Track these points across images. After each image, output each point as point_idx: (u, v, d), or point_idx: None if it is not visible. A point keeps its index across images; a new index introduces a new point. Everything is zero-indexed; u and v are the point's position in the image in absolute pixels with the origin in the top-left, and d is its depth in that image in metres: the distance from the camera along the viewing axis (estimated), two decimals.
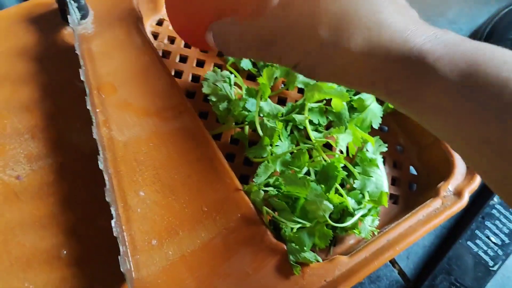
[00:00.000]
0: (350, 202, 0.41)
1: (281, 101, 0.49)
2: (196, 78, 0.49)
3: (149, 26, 0.50)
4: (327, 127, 0.47)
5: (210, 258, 0.37)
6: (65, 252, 0.36)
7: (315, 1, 0.28)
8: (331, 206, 0.37)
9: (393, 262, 0.46)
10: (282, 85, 0.50)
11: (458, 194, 0.42)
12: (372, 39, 0.27)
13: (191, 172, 0.40)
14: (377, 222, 0.42)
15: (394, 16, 0.28)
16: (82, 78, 0.39)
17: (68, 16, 0.42)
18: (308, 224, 0.38)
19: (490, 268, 0.44)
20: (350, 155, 0.45)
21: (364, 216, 0.41)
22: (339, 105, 0.44)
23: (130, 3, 0.46)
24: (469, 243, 0.45)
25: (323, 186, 0.41)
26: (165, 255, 0.37)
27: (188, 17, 0.40)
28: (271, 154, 0.43)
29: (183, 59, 0.50)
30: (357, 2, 0.28)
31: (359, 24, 0.28)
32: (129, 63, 0.43)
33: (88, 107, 0.38)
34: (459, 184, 0.43)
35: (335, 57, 0.29)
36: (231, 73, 0.47)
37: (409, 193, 0.47)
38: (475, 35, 0.58)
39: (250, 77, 0.50)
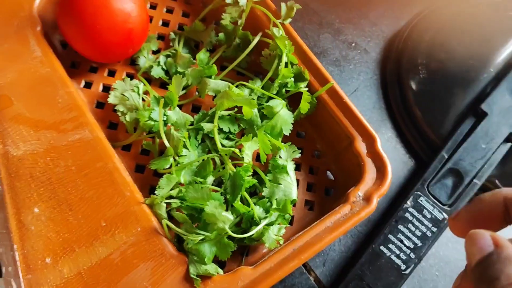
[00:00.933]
0: (258, 211, 0.40)
1: (197, 109, 0.48)
2: (107, 88, 0.48)
3: (57, 35, 0.48)
4: (242, 135, 0.46)
5: (107, 274, 0.36)
6: None
7: None
8: (230, 217, 0.36)
9: (309, 269, 0.45)
10: (196, 93, 0.49)
11: (367, 199, 0.42)
12: None
13: (89, 186, 0.39)
14: (283, 231, 0.41)
15: None
16: None
17: None
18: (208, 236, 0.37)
19: (403, 272, 0.44)
20: (262, 163, 0.44)
21: (270, 224, 0.40)
22: (248, 112, 0.43)
23: (30, 12, 0.44)
24: (382, 247, 0.44)
25: (229, 196, 0.40)
26: (59, 273, 0.36)
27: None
28: (177, 165, 0.42)
29: (94, 69, 0.48)
30: None
31: None
32: (27, 75, 0.42)
33: None
34: (369, 189, 0.43)
35: None
36: (142, 82, 0.46)
37: (325, 198, 0.47)
38: (396, 36, 0.58)
39: (164, 85, 0.49)
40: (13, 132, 0.39)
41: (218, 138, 0.42)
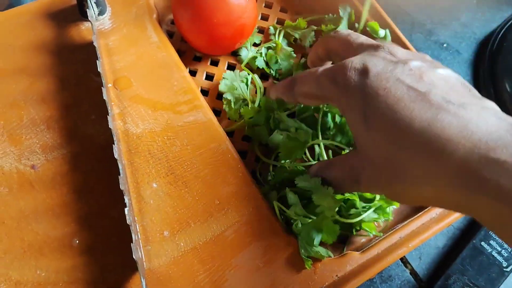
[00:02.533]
0: (359, 200, 0.41)
1: None
2: (209, 77, 0.49)
3: (165, 25, 0.51)
4: None
5: (221, 250, 0.37)
6: (77, 241, 0.36)
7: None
8: (337, 202, 0.37)
9: (405, 262, 0.45)
10: None
11: None
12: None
13: (204, 165, 0.40)
14: (388, 220, 0.41)
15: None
16: (99, 70, 0.39)
17: (87, 11, 0.42)
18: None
19: (504, 269, 0.43)
20: None
21: (374, 212, 0.41)
22: None
23: (147, 0, 0.47)
24: (482, 243, 0.44)
25: None
26: (176, 246, 0.37)
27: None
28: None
29: (198, 58, 0.50)
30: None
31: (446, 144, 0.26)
32: (145, 59, 0.44)
33: (104, 98, 0.39)
34: None
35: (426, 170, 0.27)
36: (248, 73, 0.47)
37: None
38: (489, 39, 0.58)
39: (264, 76, 0.50)
40: (133, 111, 0.41)
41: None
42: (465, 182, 0.24)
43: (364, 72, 0.30)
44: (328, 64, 0.36)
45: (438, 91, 0.27)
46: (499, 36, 0.57)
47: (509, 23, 0.58)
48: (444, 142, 0.25)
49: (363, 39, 0.35)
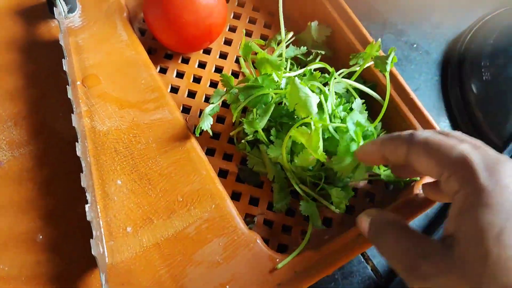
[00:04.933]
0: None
1: None
2: (180, 74, 0.50)
3: (137, 23, 0.51)
4: None
5: (183, 246, 0.38)
6: (41, 236, 0.37)
7: (485, 260, 0.24)
8: None
9: (367, 258, 0.47)
10: None
11: None
12: None
13: (168, 163, 0.41)
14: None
15: None
16: (64, 69, 0.40)
17: (54, 9, 0.43)
18: None
19: None
20: None
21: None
22: None
23: None
24: None
25: None
26: (139, 242, 0.38)
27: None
28: None
29: (169, 55, 0.51)
30: None
31: None
32: (114, 57, 0.45)
33: (70, 96, 0.39)
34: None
35: None
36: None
37: (386, 191, 0.48)
38: (458, 40, 0.59)
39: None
40: (100, 109, 0.42)
41: None
42: None
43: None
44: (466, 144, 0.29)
45: None
46: (468, 37, 0.58)
47: (478, 25, 0.59)
48: None
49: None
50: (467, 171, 0.26)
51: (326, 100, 0.41)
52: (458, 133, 0.31)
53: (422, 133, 0.31)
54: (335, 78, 0.44)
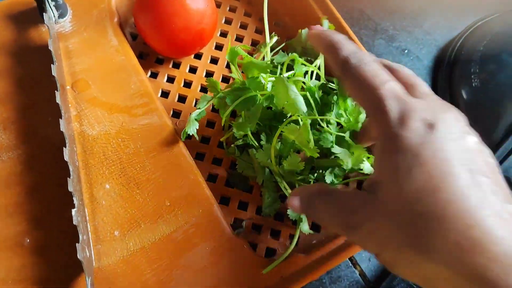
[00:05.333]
0: None
1: None
2: (171, 79, 0.51)
3: (128, 27, 0.52)
4: None
5: (169, 250, 0.39)
6: (28, 240, 0.38)
7: (400, 196, 0.25)
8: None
9: (354, 263, 0.47)
10: None
11: None
12: (462, 259, 0.23)
13: (156, 168, 0.41)
14: None
15: (497, 229, 0.23)
16: (53, 74, 0.40)
17: (44, 14, 0.43)
18: None
19: None
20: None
21: None
22: None
23: (108, 4, 0.48)
24: None
25: None
26: (126, 245, 0.38)
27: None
28: None
29: (160, 60, 0.51)
30: (447, 202, 0.24)
31: (444, 235, 0.24)
32: (104, 62, 0.45)
33: (58, 101, 0.39)
34: None
35: (413, 262, 0.25)
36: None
37: None
38: (449, 46, 0.59)
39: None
40: (90, 114, 0.43)
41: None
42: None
43: (431, 127, 0.26)
44: (395, 82, 0.29)
45: (490, 186, 0.25)
46: (458, 44, 0.58)
47: (468, 32, 0.59)
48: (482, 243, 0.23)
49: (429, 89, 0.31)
50: (382, 117, 0.27)
51: (312, 97, 0.41)
52: (397, 66, 0.32)
53: (354, 62, 0.30)
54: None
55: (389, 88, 0.28)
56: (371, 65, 0.29)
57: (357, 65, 0.30)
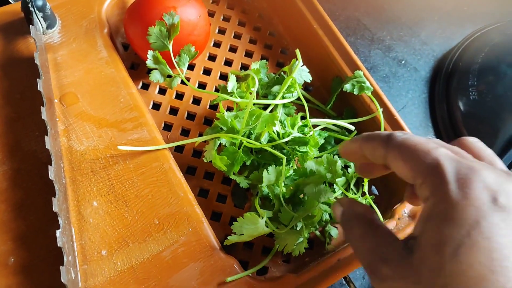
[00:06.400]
0: None
1: None
2: (163, 91, 0.50)
3: (120, 37, 0.51)
4: None
5: (158, 270, 0.38)
6: (12, 259, 0.37)
7: (437, 272, 0.24)
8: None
9: (348, 281, 0.46)
10: None
11: (413, 216, 0.43)
12: None
13: (145, 184, 0.40)
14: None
15: None
16: (39, 89, 0.39)
17: (31, 26, 0.42)
18: None
19: None
20: None
21: None
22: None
23: (99, 14, 0.47)
24: None
25: None
26: (113, 265, 0.37)
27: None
28: None
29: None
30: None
31: None
32: (93, 74, 0.44)
33: (44, 117, 0.38)
34: (414, 207, 0.43)
35: None
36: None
37: None
38: (446, 57, 0.59)
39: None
40: (78, 128, 0.41)
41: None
42: None
43: (495, 200, 0.24)
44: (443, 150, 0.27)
45: None
46: (456, 56, 0.57)
47: (466, 42, 0.58)
48: None
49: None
50: (438, 180, 0.26)
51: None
52: (438, 140, 0.30)
53: (399, 136, 0.29)
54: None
55: (443, 150, 0.27)
56: (419, 137, 0.28)
57: (404, 137, 0.29)
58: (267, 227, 0.39)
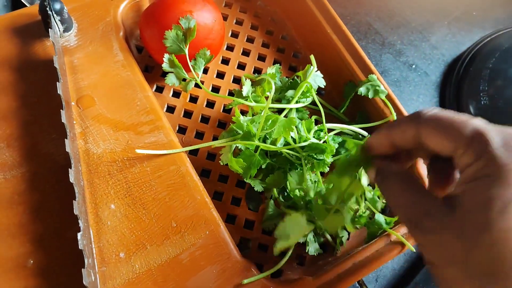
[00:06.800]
0: None
1: None
2: (177, 93, 0.50)
3: (134, 39, 0.51)
4: None
5: (175, 273, 0.38)
6: (31, 261, 0.37)
7: (483, 229, 0.24)
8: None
9: (361, 284, 0.46)
10: None
11: None
12: None
13: (162, 188, 0.40)
14: None
15: None
16: (59, 92, 0.40)
17: (50, 30, 0.42)
18: None
19: None
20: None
21: None
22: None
23: (115, 17, 0.47)
24: None
25: None
26: (131, 268, 0.37)
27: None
28: None
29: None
30: None
31: None
32: (109, 77, 0.44)
33: (63, 121, 0.39)
34: None
35: None
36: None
37: None
38: (457, 61, 0.59)
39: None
40: (95, 131, 0.42)
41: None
42: None
43: None
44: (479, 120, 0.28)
45: None
46: (466, 60, 0.57)
47: (477, 48, 0.58)
48: None
49: None
50: (483, 146, 0.26)
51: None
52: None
53: (429, 110, 0.29)
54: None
55: (480, 120, 0.27)
56: (448, 110, 0.29)
57: (433, 111, 0.29)
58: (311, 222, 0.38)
